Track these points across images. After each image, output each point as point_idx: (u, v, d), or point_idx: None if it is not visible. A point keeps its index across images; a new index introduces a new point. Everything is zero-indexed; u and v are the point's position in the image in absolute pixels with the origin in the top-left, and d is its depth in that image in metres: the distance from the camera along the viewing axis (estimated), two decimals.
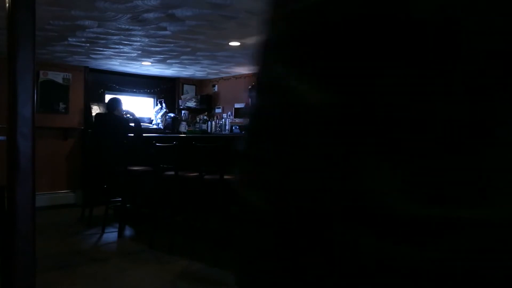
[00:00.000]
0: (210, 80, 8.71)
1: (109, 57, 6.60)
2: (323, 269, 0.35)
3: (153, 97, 8.43)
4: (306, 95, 0.36)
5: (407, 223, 0.31)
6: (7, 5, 1.06)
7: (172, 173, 4.40)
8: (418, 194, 0.31)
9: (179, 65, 7.27)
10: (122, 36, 5.24)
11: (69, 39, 5.41)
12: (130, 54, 6.25)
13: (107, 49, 6.03)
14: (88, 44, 5.74)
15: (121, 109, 5.83)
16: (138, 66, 7.29)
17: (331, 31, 0.35)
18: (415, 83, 0.32)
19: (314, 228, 0.35)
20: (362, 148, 0.33)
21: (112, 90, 7.71)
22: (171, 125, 7.64)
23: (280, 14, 0.42)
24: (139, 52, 6.13)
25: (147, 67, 7.26)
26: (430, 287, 0.31)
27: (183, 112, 8.49)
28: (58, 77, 7.07)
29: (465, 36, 0.31)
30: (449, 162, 0.31)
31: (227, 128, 7.62)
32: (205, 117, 8.13)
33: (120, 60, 6.79)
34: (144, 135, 5.70)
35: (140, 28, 4.82)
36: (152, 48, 5.92)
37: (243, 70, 7.67)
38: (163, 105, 7.92)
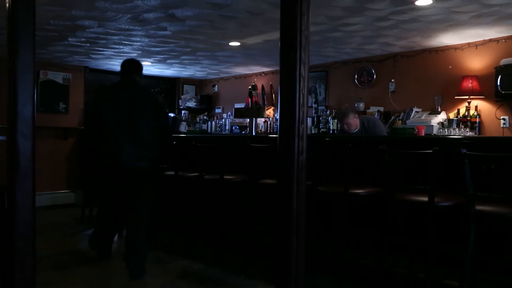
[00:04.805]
0: (210, 80, 8.71)
1: (109, 57, 6.60)
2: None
3: None
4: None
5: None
6: (7, 5, 1.06)
7: (172, 173, 4.40)
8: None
9: (179, 65, 7.27)
10: (122, 36, 5.24)
11: (69, 39, 5.41)
12: (130, 54, 6.25)
13: (107, 49, 6.03)
14: (88, 44, 5.74)
15: None
16: None
17: None
18: None
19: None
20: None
21: None
22: (171, 125, 7.63)
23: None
24: (139, 52, 6.13)
25: (147, 67, 7.26)
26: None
27: (183, 112, 8.49)
28: (58, 77, 7.08)
29: None
30: None
31: (227, 128, 7.61)
32: (205, 117, 8.13)
33: (120, 60, 6.74)
34: None
35: (140, 28, 4.82)
36: (152, 48, 5.92)
37: (243, 70, 7.66)
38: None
